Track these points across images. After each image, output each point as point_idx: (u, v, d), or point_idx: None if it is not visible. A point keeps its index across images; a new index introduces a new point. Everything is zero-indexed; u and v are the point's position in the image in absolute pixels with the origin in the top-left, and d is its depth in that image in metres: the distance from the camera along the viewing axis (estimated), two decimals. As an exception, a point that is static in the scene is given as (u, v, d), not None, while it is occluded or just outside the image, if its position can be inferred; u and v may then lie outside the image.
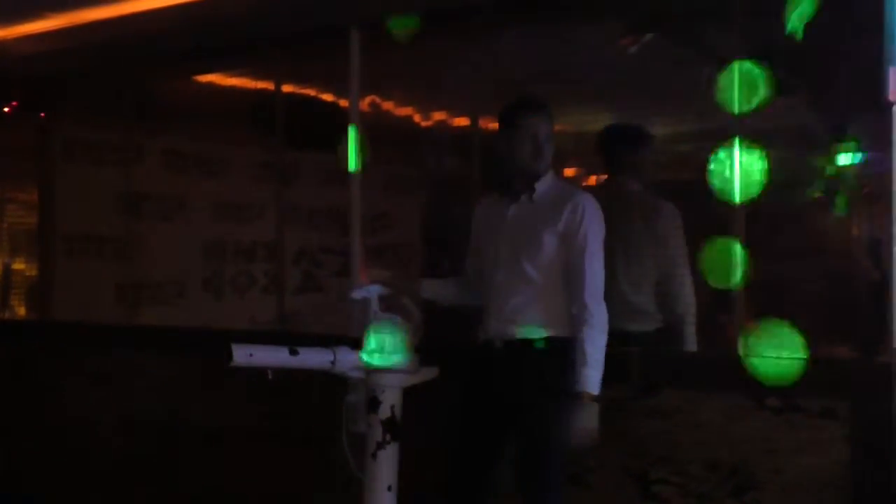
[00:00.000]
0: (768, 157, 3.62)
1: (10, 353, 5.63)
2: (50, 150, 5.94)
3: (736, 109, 3.53)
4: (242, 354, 3.05)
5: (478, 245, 3.56)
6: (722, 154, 3.55)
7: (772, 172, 3.65)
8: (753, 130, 3.61)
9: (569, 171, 4.28)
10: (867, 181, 3.36)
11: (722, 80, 3.56)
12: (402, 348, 3.35)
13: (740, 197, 3.52)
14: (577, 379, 3.19)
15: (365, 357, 3.32)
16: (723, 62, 3.63)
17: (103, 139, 5.87)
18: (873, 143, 3.34)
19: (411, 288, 3.54)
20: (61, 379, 5.44)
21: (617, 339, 3.39)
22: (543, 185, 3.38)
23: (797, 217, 3.57)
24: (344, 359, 3.26)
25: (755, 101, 3.53)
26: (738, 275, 3.52)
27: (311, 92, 5.24)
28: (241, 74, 5.40)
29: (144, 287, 5.68)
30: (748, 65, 3.52)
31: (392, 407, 3.33)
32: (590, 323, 3.24)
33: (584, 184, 4.25)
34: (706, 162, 3.94)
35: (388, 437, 3.32)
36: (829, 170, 3.50)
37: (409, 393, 3.38)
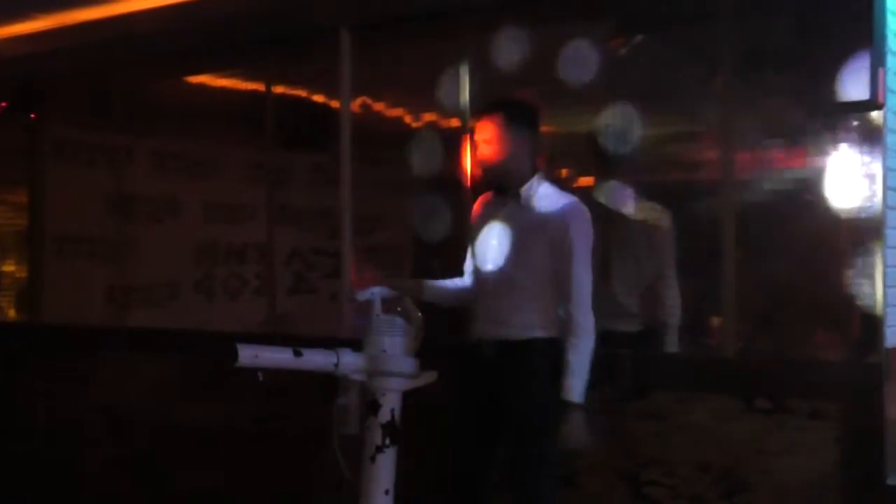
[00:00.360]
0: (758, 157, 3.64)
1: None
2: (40, 151, 5.93)
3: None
4: (248, 355, 3.06)
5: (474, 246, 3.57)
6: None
7: (761, 173, 3.66)
8: (743, 132, 3.62)
9: (562, 173, 4.26)
10: (857, 182, 3.36)
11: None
12: (404, 351, 3.34)
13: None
14: (562, 388, 3.21)
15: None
16: (713, 64, 3.64)
17: (93, 140, 5.85)
18: (863, 144, 3.34)
19: (414, 290, 3.53)
20: (51, 381, 5.42)
21: (604, 339, 3.40)
22: (531, 190, 3.37)
23: (787, 218, 3.57)
24: (347, 361, 3.26)
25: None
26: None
27: (302, 93, 5.23)
28: (231, 75, 5.38)
29: (135, 289, 5.66)
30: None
31: (392, 410, 3.31)
32: (575, 333, 3.24)
33: (577, 185, 4.24)
34: (697, 163, 3.96)
35: (387, 440, 3.30)
36: (819, 171, 3.50)
37: (408, 396, 3.37)
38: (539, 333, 3.31)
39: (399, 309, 3.40)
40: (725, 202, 3.57)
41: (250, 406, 4.43)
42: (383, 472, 3.31)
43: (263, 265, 5.21)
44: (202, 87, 5.54)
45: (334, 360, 3.24)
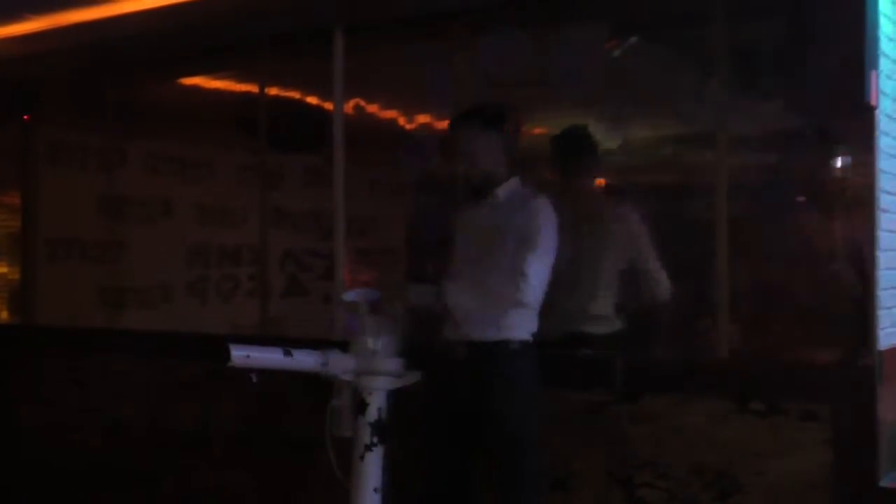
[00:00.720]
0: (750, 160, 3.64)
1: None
2: (33, 153, 5.91)
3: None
4: (240, 355, 3.16)
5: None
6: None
7: (754, 176, 3.67)
8: (735, 134, 3.62)
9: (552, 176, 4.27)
10: (849, 185, 3.36)
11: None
12: (390, 351, 3.39)
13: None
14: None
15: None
16: (706, 66, 3.65)
17: (87, 142, 5.84)
18: (855, 146, 3.34)
19: (400, 292, 3.54)
20: (44, 383, 5.41)
21: (577, 341, 3.50)
22: (505, 191, 3.41)
23: (779, 221, 3.57)
24: (334, 361, 3.35)
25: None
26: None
27: (296, 95, 5.22)
28: (225, 77, 5.38)
29: (129, 291, 5.65)
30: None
31: (379, 409, 3.38)
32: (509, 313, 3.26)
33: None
34: (690, 165, 3.96)
35: (375, 439, 3.37)
36: (811, 174, 3.51)
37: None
38: (511, 335, 3.32)
39: (386, 310, 3.44)
40: (718, 205, 3.57)
41: (240, 408, 4.42)
42: (372, 470, 3.38)
43: (257, 267, 5.21)
44: (195, 89, 5.53)
45: (322, 361, 3.33)
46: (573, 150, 3.94)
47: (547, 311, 3.41)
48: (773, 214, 3.58)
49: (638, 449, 3.51)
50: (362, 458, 3.38)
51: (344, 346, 3.44)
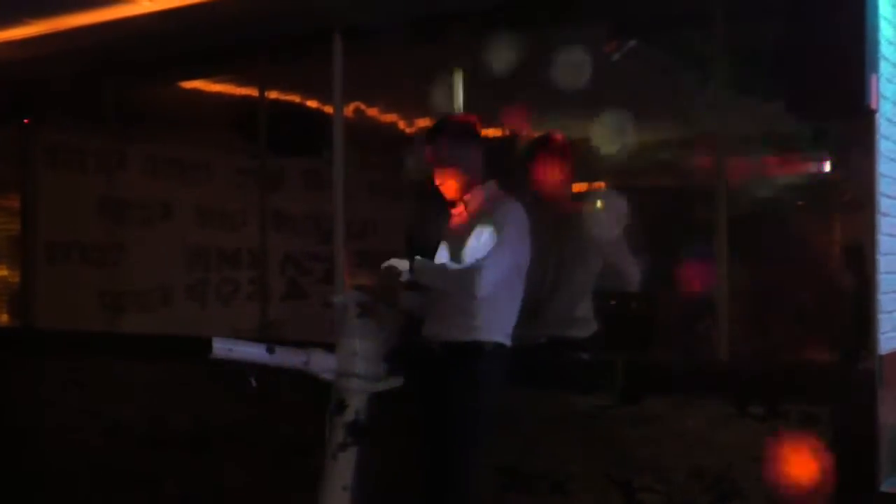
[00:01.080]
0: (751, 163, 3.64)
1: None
2: (33, 156, 5.91)
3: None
4: (222, 348, 3.20)
5: None
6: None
7: (753, 178, 3.66)
8: (735, 137, 3.62)
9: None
10: (849, 188, 3.36)
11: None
12: (371, 354, 3.42)
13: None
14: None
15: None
16: (705, 68, 3.64)
17: (86, 145, 5.84)
18: (856, 150, 3.34)
19: (390, 296, 3.54)
20: (43, 386, 5.41)
21: (559, 345, 3.51)
22: (480, 197, 3.47)
23: (779, 223, 3.57)
24: (316, 360, 3.38)
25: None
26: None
27: (296, 98, 5.22)
28: (224, 80, 5.38)
29: (128, 294, 5.65)
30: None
31: (357, 411, 3.41)
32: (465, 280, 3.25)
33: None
34: (690, 169, 3.96)
35: (349, 439, 3.40)
36: (811, 176, 3.51)
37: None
38: (482, 336, 3.34)
39: (373, 313, 3.46)
40: (718, 208, 3.57)
41: (244, 410, 4.42)
42: (343, 469, 3.41)
43: (257, 270, 5.20)
44: (195, 92, 5.54)
45: (304, 359, 3.37)
46: (549, 155, 3.93)
47: (530, 315, 3.45)
48: (773, 217, 3.58)
49: (637, 452, 3.50)
50: (334, 457, 3.40)
51: (332, 347, 3.47)
